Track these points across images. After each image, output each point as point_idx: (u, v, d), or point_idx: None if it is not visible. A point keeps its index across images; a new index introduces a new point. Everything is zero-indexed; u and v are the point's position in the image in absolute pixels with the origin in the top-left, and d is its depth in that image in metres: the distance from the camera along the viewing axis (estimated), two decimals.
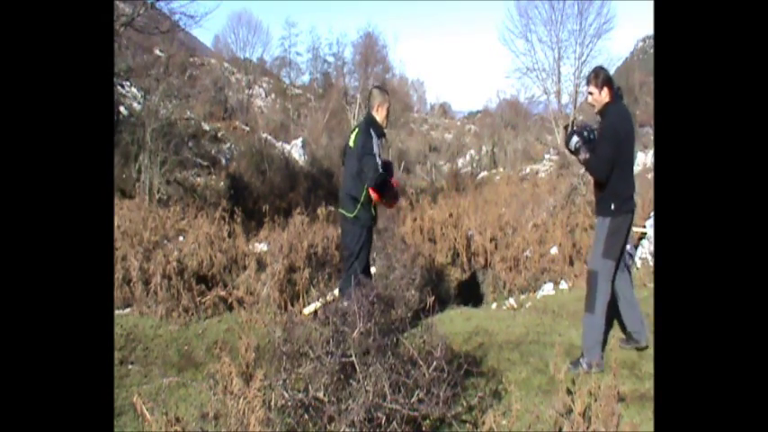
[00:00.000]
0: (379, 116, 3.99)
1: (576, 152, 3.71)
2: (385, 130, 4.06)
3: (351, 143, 3.98)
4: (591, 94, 3.68)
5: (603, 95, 3.62)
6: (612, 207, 3.56)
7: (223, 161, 13.43)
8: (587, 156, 3.61)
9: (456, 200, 11.16)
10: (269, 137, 16.84)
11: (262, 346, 3.32)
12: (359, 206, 3.87)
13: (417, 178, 20.77)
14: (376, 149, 3.80)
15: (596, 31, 30.07)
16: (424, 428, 2.60)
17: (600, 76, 3.63)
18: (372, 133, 3.88)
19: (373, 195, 3.89)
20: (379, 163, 3.76)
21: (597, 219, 3.68)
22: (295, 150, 16.52)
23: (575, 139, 3.68)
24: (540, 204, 9.42)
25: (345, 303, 3.77)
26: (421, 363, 2.68)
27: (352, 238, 3.95)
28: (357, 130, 3.99)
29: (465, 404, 2.86)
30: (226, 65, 29.02)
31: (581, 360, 3.59)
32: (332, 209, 7.77)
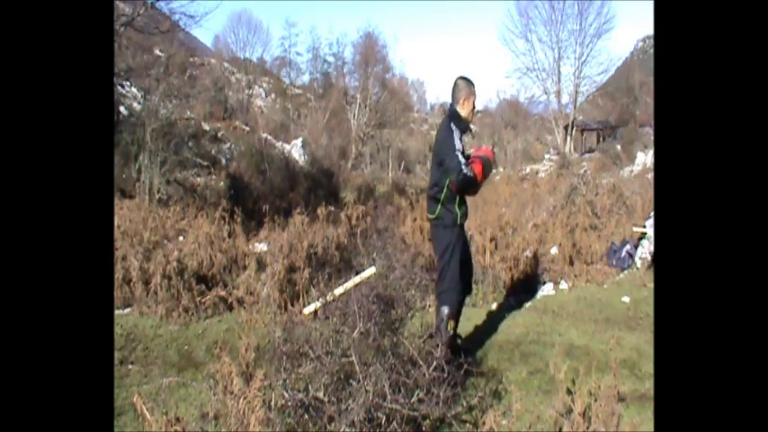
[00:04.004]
0: (464, 110, 3.60)
1: None
2: (471, 126, 3.68)
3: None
4: None
5: None
6: None
7: (223, 161, 13.41)
8: None
9: None
10: (269, 137, 16.84)
11: (262, 346, 3.32)
12: (439, 206, 3.57)
13: (417, 178, 20.77)
14: (458, 146, 3.43)
15: (596, 31, 30.19)
16: (424, 428, 2.59)
17: None
18: (454, 127, 3.50)
19: (477, 171, 3.51)
20: (462, 161, 3.41)
21: None
22: (295, 150, 16.50)
23: None
24: (540, 204, 9.43)
25: (445, 311, 3.53)
26: (421, 363, 2.68)
27: (438, 243, 3.66)
28: (440, 125, 3.64)
29: (465, 404, 2.86)
30: (226, 65, 29.08)
31: None
32: (332, 209, 7.75)
